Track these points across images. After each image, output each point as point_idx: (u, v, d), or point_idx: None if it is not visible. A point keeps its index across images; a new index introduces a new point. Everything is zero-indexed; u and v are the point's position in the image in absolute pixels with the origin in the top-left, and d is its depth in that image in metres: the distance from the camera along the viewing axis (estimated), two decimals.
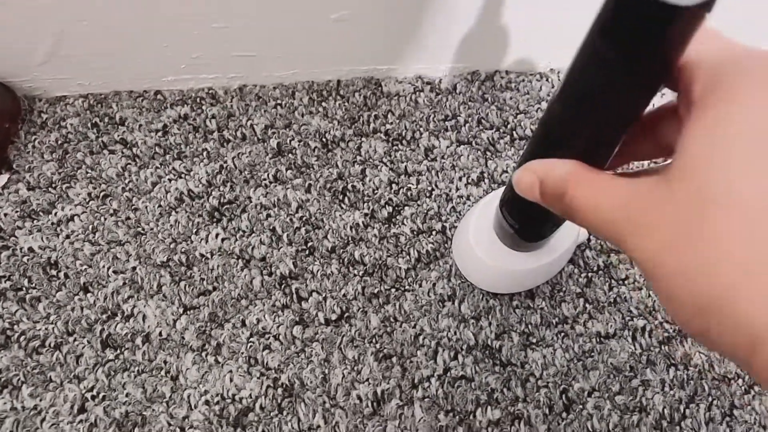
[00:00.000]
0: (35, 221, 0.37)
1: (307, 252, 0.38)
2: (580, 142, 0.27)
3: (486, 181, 0.42)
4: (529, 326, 0.37)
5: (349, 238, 0.39)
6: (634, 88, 0.23)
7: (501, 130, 0.43)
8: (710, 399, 0.36)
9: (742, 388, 0.36)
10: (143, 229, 0.38)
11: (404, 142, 0.42)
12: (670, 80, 0.22)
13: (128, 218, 0.38)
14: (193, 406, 0.33)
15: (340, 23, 0.39)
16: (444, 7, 0.40)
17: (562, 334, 0.37)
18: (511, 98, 0.45)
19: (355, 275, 0.38)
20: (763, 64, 0.17)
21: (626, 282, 0.39)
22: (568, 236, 0.36)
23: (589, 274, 0.39)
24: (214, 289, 0.37)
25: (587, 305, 0.38)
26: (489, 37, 0.43)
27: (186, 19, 0.37)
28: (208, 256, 0.37)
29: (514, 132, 0.43)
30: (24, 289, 0.36)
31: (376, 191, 0.40)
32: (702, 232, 0.16)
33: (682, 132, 0.18)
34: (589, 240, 0.40)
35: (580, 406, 0.35)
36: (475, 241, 0.36)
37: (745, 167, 0.16)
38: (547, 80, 0.46)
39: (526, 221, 0.33)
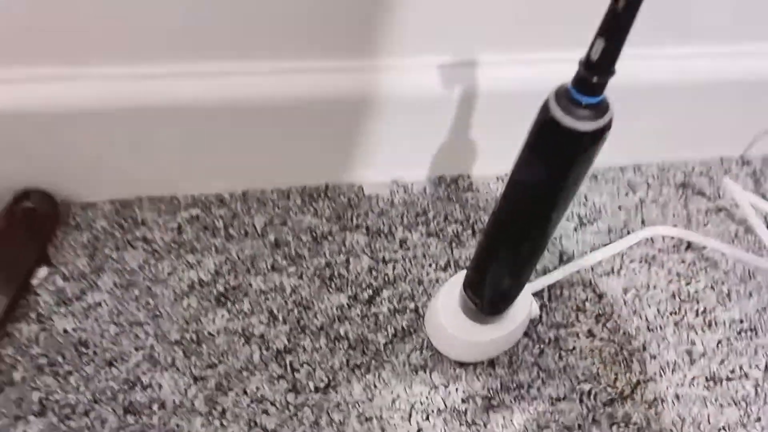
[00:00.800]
0: (69, 307, 0.44)
1: (299, 329, 0.45)
2: (511, 232, 0.35)
3: (452, 267, 0.49)
4: (491, 391, 0.43)
5: (336, 317, 0.45)
6: (552, 184, 0.31)
7: (464, 224, 0.51)
8: None
9: None
10: (160, 312, 0.45)
11: (382, 235, 0.50)
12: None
13: (148, 303, 0.45)
14: None
15: (327, 137, 0.48)
16: (413, 126, 0.49)
17: (520, 397, 0.43)
18: (472, 198, 0.53)
19: (340, 349, 0.44)
20: None
21: (573, 352, 0.46)
22: (521, 311, 0.43)
23: (541, 346, 0.46)
24: (220, 362, 0.43)
25: (540, 372, 0.44)
26: (453, 148, 0.52)
27: (198, 135, 0.45)
28: (215, 334, 0.44)
29: (475, 225, 0.51)
30: (58, 364, 0.42)
31: (358, 276, 0.48)
32: None
33: None
34: (540, 316, 0.47)
35: None
36: (444, 317, 0.43)
37: None
38: (502, 182, 0.54)
39: (488, 297, 0.40)
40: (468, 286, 0.41)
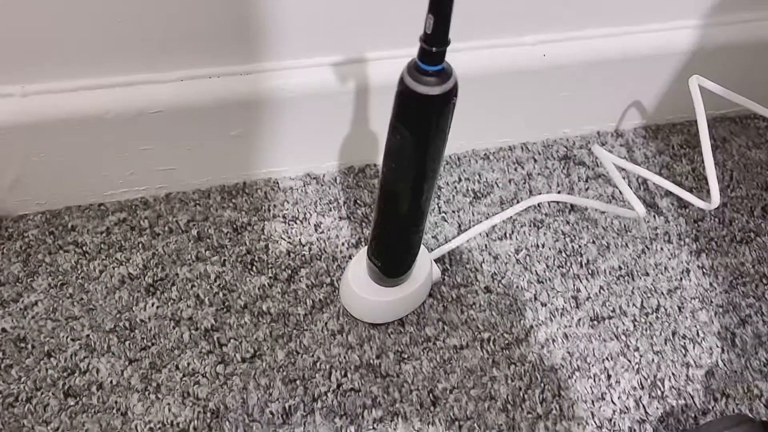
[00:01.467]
0: (6, 308, 0.48)
1: (224, 310, 0.49)
2: (394, 197, 0.40)
3: (363, 243, 0.54)
4: (401, 345, 0.49)
5: (258, 296, 0.50)
6: (417, 148, 0.37)
7: (371, 207, 0.57)
8: (542, 385, 0.48)
9: (566, 373, 0.48)
10: (94, 306, 0.48)
11: (298, 221, 0.55)
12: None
13: (81, 299, 0.49)
14: None
15: (238, 138, 0.53)
16: (321, 120, 0.54)
17: (427, 349, 0.49)
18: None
19: (263, 323, 0.49)
20: None
21: (474, 306, 0.51)
22: (423, 272, 0.49)
23: (445, 303, 0.51)
24: (153, 344, 0.47)
25: (444, 326, 0.50)
26: (359, 140, 0.57)
27: (117, 145, 0.50)
28: (147, 320, 0.48)
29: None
30: None
31: (277, 259, 0.52)
32: None
33: None
34: (443, 278, 0.52)
35: (444, 401, 0.46)
36: (354, 283, 0.48)
37: None
38: None
39: (387, 259, 0.45)
40: (371, 253, 0.46)
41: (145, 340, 0.47)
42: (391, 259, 0.46)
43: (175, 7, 0.44)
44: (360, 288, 0.48)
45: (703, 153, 0.51)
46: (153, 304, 0.49)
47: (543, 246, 0.56)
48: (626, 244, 0.57)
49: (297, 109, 0.52)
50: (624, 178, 0.59)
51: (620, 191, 0.53)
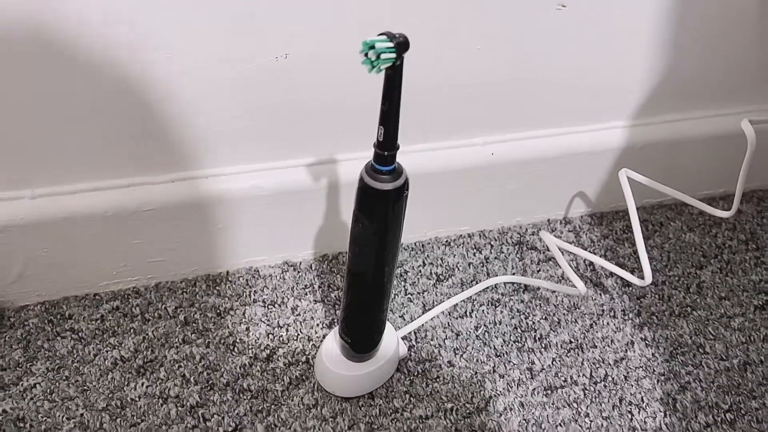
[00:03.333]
0: (7, 391, 0.52)
1: (208, 387, 0.54)
2: (359, 279, 0.46)
3: (336, 324, 0.60)
4: (371, 417, 0.53)
5: (239, 374, 0.55)
6: (376, 235, 0.43)
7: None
8: None
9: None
10: (88, 387, 0.53)
11: (276, 305, 0.60)
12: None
13: (77, 380, 0.53)
14: None
15: (222, 231, 0.59)
16: (296, 213, 0.61)
17: (395, 420, 0.53)
18: None
19: (244, 399, 0.53)
20: None
21: (438, 379, 0.56)
22: (390, 348, 0.54)
23: (411, 378, 0.56)
24: (142, 420, 0.51)
25: (411, 398, 0.55)
26: (332, 229, 0.64)
27: (113, 240, 0.56)
28: (137, 399, 0.52)
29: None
30: None
31: (257, 341, 0.57)
32: None
33: None
34: (409, 354, 0.58)
35: None
36: (327, 359, 0.53)
37: None
38: None
39: (355, 336, 0.51)
40: (341, 331, 0.52)
41: (135, 417, 0.51)
42: (360, 336, 0.51)
43: (167, 120, 0.51)
44: (332, 364, 0.53)
45: (635, 235, 0.59)
46: (143, 384, 0.53)
47: (500, 323, 0.61)
48: (575, 320, 0.63)
49: (274, 205, 0.59)
50: (572, 261, 0.66)
51: (564, 272, 0.60)
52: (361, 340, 0.51)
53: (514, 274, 0.66)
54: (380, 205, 0.42)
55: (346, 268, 0.48)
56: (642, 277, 0.59)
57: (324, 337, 0.58)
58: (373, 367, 0.53)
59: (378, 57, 0.34)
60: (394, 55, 0.34)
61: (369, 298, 0.48)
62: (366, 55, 0.34)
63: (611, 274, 0.67)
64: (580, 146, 0.67)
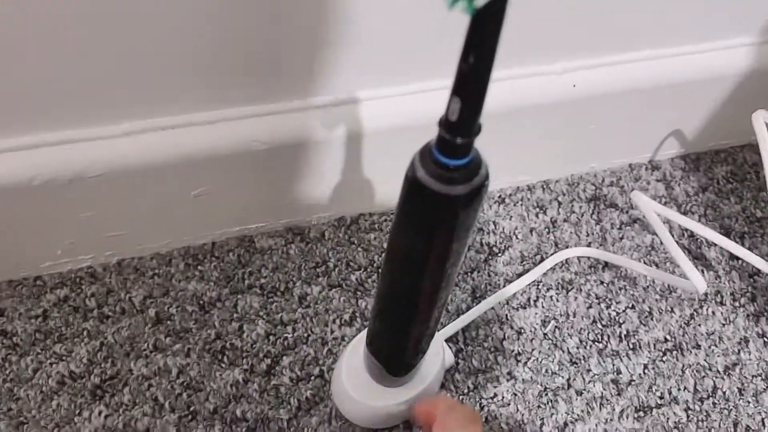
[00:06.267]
0: None
1: (190, 417, 0.40)
2: (402, 301, 0.31)
3: (358, 319, 0.45)
4: None
5: (231, 397, 0.41)
6: (434, 254, 0.27)
7: (368, 270, 0.47)
8: None
9: None
10: (26, 418, 0.39)
11: (278, 293, 0.45)
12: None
13: (10, 409, 0.39)
14: None
15: (201, 198, 0.43)
16: (303, 167, 0.44)
17: None
18: (375, 238, 0.49)
19: None
20: None
21: (495, 399, 0.42)
22: (434, 363, 0.40)
23: (461, 397, 0.42)
24: None
25: None
26: (351, 185, 0.47)
27: (48, 215, 0.40)
28: None
29: (380, 269, 0.47)
30: None
31: (254, 345, 0.43)
32: None
33: None
34: (456, 363, 0.43)
35: None
36: (349, 383, 0.39)
37: None
38: None
39: (392, 356, 0.36)
40: (370, 348, 0.37)
41: None
42: (397, 358, 0.37)
43: (117, 42, 0.34)
44: (356, 390, 0.39)
45: None
46: (100, 413, 0.39)
47: (574, 315, 0.46)
48: (671, 309, 0.48)
49: (273, 161, 0.42)
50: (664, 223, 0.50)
51: (670, 254, 0.44)
52: (398, 362, 0.37)
53: (590, 244, 0.50)
54: (445, 216, 0.25)
55: (380, 280, 0.32)
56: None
57: (343, 339, 0.44)
58: (412, 392, 0.39)
59: None
60: None
61: (412, 325, 0.33)
62: None
63: (715, 243, 0.51)
64: (688, 72, 0.49)
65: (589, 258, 0.49)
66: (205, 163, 0.40)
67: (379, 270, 0.47)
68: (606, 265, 0.49)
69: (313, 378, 0.42)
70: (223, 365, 0.42)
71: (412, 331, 0.34)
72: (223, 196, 0.44)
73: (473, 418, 0.32)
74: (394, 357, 0.36)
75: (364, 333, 0.40)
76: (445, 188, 0.24)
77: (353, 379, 0.39)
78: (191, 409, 0.40)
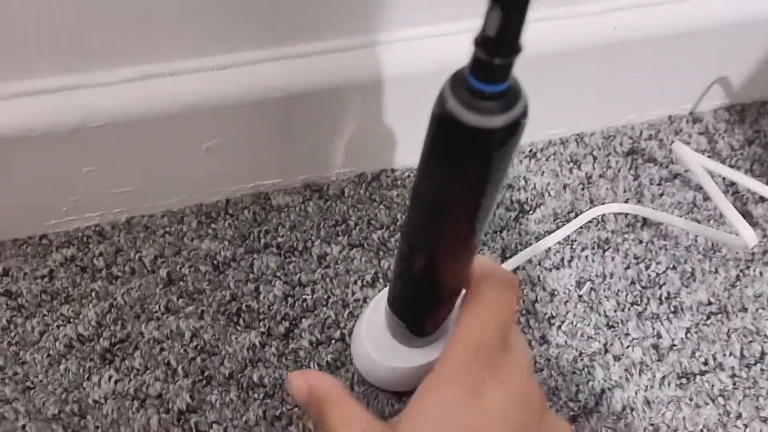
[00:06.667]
0: None
1: (204, 382, 0.38)
2: (430, 255, 0.28)
3: (381, 280, 0.42)
4: None
5: (247, 361, 0.38)
6: (469, 195, 0.24)
7: (391, 228, 0.44)
8: None
9: None
10: (32, 383, 0.37)
11: (296, 253, 0.43)
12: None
13: (15, 374, 0.37)
14: None
15: (213, 151, 0.40)
16: (322, 119, 0.41)
17: None
18: (398, 195, 0.46)
19: (255, 399, 0.37)
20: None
21: None
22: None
23: None
24: None
25: None
26: (372, 139, 0.44)
27: (49, 169, 0.37)
28: (102, 401, 0.37)
29: (402, 224, 0.44)
30: None
31: (271, 307, 0.40)
32: None
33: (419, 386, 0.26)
34: None
35: None
36: (371, 342, 0.36)
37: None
38: None
39: (415, 315, 0.33)
40: (393, 309, 0.34)
41: (99, 431, 0.36)
42: (421, 319, 0.34)
43: None
44: (379, 351, 0.36)
45: None
46: (110, 378, 0.37)
47: (611, 276, 0.44)
48: (715, 269, 0.44)
49: (290, 110, 0.39)
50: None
51: (715, 202, 0.41)
52: (422, 322, 0.34)
53: (627, 200, 0.47)
54: (481, 151, 0.22)
55: (404, 229, 0.29)
56: None
57: (365, 300, 0.41)
58: (436, 351, 0.36)
59: None
60: None
61: (439, 282, 0.30)
62: None
63: (762, 199, 0.47)
64: (736, 14, 0.45)
65: (626, 215, 0.46)
66: (215, 113, 0.37)
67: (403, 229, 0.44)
68: (645, 222, 0.46)
69: (333, 341, 0.40)
70: (239, 328, 0.40)
71: (436, 287, 0.31)
72: (236, 150, 0.41)
73: (510, 285, 0.28)
74: (417, 316, 0.34)
75: (384, 292, 0.37)
76: (485, 120, 0.21)
77: (375, 342, 0.36)
78: (206, 374, 0.38)
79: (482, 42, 0.19)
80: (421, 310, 0.33)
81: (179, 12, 0.33)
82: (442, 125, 0.22)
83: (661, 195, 0.48)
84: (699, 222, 0.46)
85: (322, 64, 0.38)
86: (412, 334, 0.35)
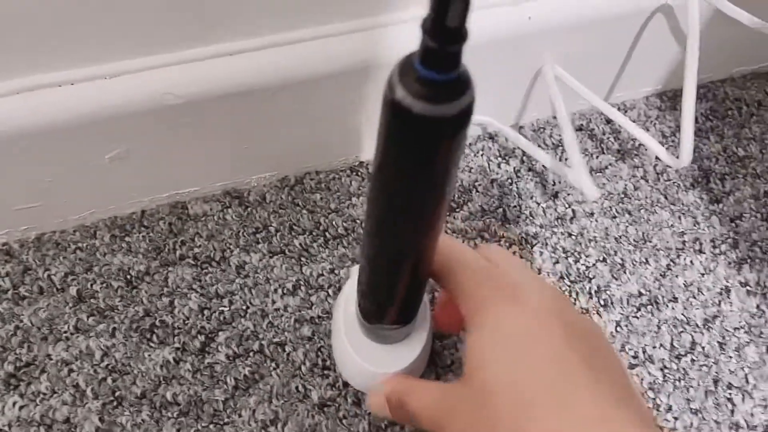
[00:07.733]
0: None
1: (115, 403, 0.36)
2: (395, 238, 0.26)
3: (302, 288, 0.41)
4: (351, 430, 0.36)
5: (161, 379, 0.37)
6: (422, 187, 0.23)
7: (313, 234, 0.43)
8: None
9: None
10: None
11: (214, 263, 0.41)
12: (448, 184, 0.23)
13: None
14: None
15: (118, 161, 0.39)
16: (235, 117, 0.40)
17: None
18: (321, 199, 0.45)
19: (169, 418, 0.36)
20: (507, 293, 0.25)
21: (452, 367, 0.39)
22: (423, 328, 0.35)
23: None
24: None
25: None
26: (295, 140, 0.43)
27: None
28: (6, 429, 0.35)
29: (326, 233, 0.43)
30: None
31: (186, 321, 0.39)
32: (483, 413, 0.23)
33: (465, 345, 0.27)
34: None
35: None
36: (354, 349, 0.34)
37: (501, 368, 0.23)
38: (357, 174, 0.46)
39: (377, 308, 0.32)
40: (360, 300, 0.32)
41: None
42: (377, 307, 0.32)
43: None
44: (353, 345, 0.34)
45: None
46: (15, 404, 0.36)
47: (539, 271, 0.43)
48: (645, 260, 0.44)
49: (194, 116, 0.38)
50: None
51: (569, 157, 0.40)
52: (378, 311, 0.32)
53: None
54: (431, 142, 0.21)
55: (367, 203, 0.27)
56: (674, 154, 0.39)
57: (285, 309, 0.40)
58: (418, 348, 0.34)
59: None
60: None
61: (401, 274, 0.28)
62: None
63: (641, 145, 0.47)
64: None
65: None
66: (111, 123, 0.36)
67: (326, 233, 0.43)
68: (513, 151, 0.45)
69: (252, 354, 0.38)
70: (153, 345, 0.38)
71: (402, 285, 0.29)
72: (144, 159, 0.40)
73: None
74: (378, 308, 0.32)
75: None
76: (434, 109, 0.19)
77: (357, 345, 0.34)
78: (116, 394, 0.36)
79: (429, 26, 0.18)
80: (379, 304, 0.31)
81: (66, 19, 0.32)
82: (394, 115, 0.20)
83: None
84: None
85: (223, 67, 0.36)
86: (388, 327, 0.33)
